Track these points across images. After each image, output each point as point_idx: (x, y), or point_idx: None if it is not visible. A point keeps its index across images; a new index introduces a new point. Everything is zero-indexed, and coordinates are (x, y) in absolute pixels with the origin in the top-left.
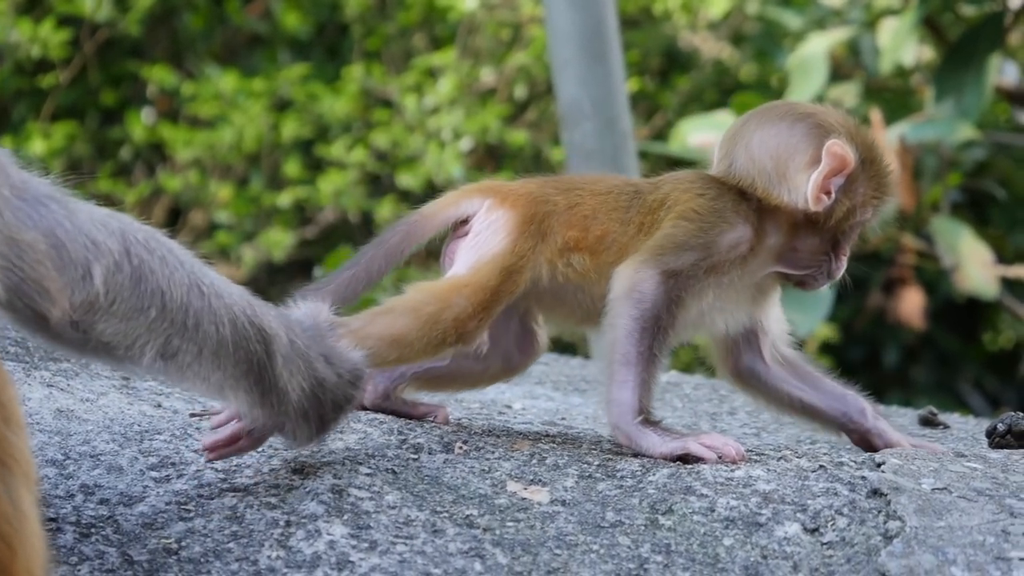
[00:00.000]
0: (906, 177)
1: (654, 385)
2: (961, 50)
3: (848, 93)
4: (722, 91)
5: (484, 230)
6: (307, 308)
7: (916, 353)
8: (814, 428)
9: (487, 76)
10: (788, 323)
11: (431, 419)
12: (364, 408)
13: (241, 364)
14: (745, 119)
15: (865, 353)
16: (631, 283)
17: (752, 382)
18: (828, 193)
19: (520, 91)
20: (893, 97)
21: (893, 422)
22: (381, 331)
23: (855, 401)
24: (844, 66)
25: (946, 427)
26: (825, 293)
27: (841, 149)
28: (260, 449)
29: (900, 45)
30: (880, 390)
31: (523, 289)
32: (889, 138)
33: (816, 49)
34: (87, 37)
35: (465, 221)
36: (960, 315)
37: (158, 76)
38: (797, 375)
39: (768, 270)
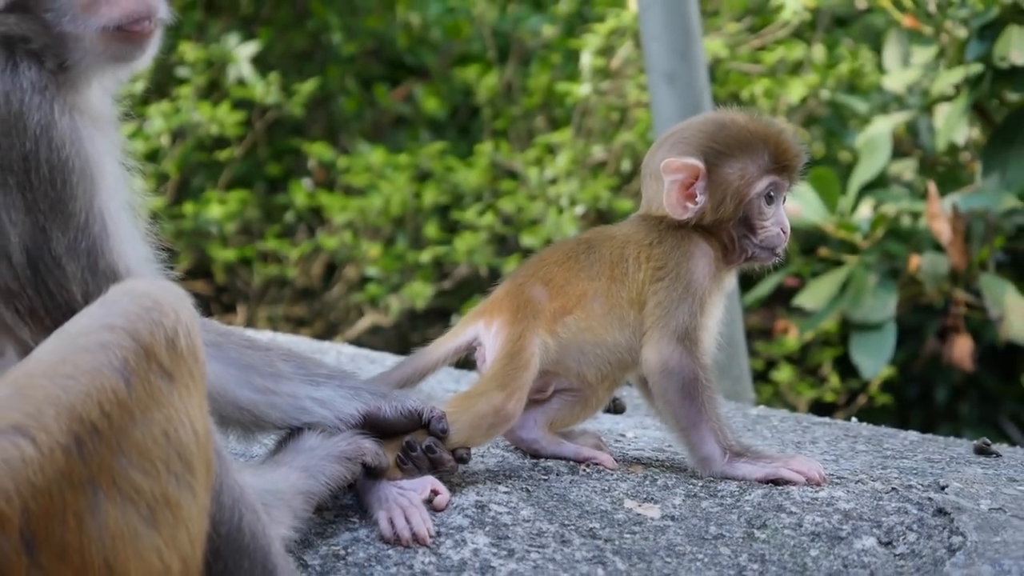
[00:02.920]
0: (958, 240)
1: (725, 424)
2: (1006, 131)
3: (907, 168)
4: None
5: (489, 341)
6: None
7: (963, 391)
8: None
9: (598, 152)
10: (857, 367)
11: (596, 464)
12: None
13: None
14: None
15: (919, 391)
16: (660, 362)
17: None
18: (692, 198)
19: (626, 165)
20: (946, 171)
21: (950, 452)
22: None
23: None
24: (904, 144)
25: (998, 455)
26: (888, 340)
27: (675, 163)
28: None
29: (953, 127)
30: (932, 423)
31: (536, 359)
32: (944, 207)
33: (881, 130)
34: (257, 118)
35: (474, 344)
36: (1002, 359)
37: (317, 151)
38: None
39: (725, 271)
